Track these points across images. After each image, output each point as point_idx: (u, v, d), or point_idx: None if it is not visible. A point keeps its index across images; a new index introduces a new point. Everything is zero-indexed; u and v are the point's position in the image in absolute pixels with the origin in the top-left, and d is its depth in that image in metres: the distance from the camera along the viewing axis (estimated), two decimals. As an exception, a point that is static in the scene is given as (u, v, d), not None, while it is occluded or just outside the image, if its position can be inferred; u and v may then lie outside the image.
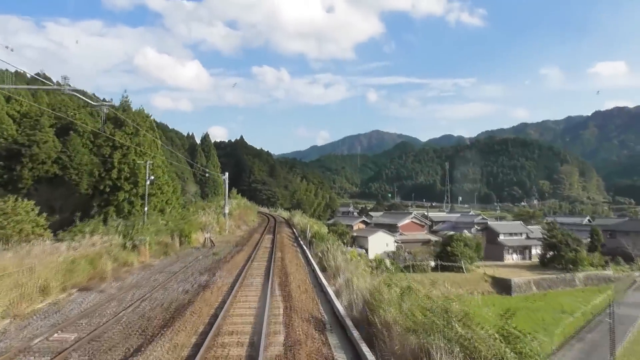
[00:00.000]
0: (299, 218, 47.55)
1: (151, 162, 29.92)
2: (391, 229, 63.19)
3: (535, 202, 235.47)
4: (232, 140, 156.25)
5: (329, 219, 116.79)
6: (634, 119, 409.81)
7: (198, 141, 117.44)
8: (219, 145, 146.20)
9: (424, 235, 65.11)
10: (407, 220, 64.51)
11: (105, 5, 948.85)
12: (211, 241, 27.34)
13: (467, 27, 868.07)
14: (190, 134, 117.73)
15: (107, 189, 36.22)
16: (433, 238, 64.35)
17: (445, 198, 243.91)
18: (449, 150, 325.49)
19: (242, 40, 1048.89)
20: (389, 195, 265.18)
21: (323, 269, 18.71)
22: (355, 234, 59.38)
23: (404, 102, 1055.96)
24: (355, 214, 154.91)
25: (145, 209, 27.44)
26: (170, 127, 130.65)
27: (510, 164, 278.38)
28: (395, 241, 57.15)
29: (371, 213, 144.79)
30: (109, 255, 18.07)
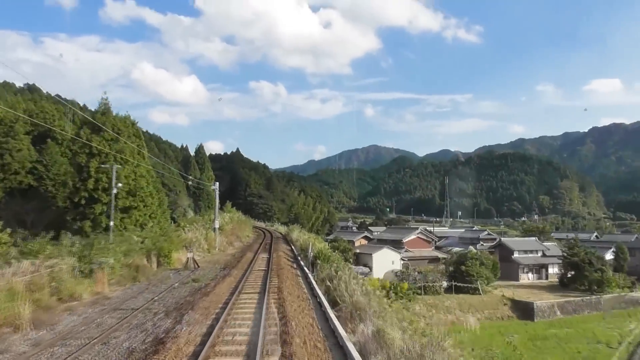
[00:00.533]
0: (297, 233, 42.99)
1: (119, 167, 25.44)
2: (395, 245, 58.58)
3: (536, 217, 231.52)
4: (228, 153, 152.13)
5: (327, 234, 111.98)
6: (631, 135, 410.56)
7: (193, 153, 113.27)
8: (214, 158, 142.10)
9: (430, 252, 60.46)
10: (412, 236, 59.84)
11: (102, 20, 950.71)
12: (194, 262, 22.77)
13: (463, 43, 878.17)
14: (184, 145, 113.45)
15: (83, 201, 31.90)
16: (440, 255, 59.79)
17: (445, 213, 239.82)
18: (448, 165, 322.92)
19: (240, 56, 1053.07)
20: (387, 209, 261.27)
21: (334, 303, 14.26)
22: (358, 251, 54.65)
23: (401, 118, 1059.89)
24: (355, 228, 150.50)
25: (111, 223, 22.89)
26: (164, 139, 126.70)
27: (510, 179, 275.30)
28: (401, 259, 52.45)
29: (371, 228, 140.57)
30: (48, 285, 13.56)
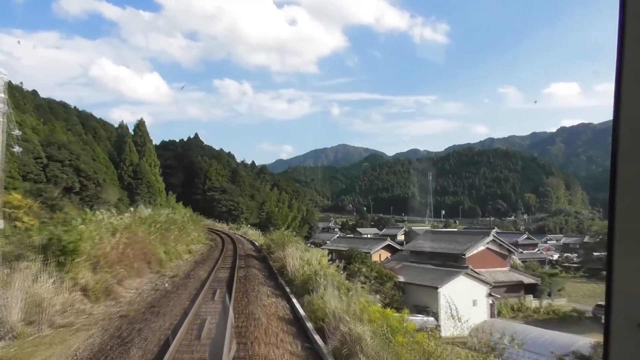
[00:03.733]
0: (296, 253, 17.30)
1: None
2: (449, 260, 34.07)
3: (524, 216, 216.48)
4: (184, 139, 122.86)
5: (306, 237, 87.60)
6: (600, 134, 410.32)
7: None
8: (167, 145, 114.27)
9: (508, 273, 35.97)
10: (480, 247, 34.92)
11: (57, 14, 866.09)
12: None
13: (429, 44, 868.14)
14: (124, 123, 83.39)
15: None
16: (526, 280, 35.63)
17: (428, 212, 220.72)
18: (425, 162, 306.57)
19: (203, 52, 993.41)
20: (364, 208, 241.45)
21: None
22: (402, 279, 29.15)
23: (367, 118, 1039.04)
24: (337, 230, 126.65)
25: None
26: (98, 117, 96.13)
27: (492, 176, 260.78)
28: (489, 294, 27.61)
29: (359, 229, 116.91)
30: None
